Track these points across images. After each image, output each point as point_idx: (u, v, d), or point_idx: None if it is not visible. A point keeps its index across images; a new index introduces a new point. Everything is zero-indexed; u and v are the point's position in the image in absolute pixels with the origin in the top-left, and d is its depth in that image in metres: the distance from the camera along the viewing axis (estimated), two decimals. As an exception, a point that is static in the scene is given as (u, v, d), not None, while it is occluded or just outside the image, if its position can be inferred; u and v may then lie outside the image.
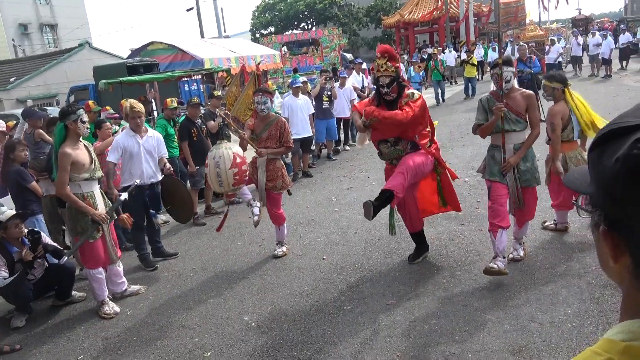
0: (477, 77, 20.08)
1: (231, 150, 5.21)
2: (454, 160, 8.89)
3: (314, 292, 4.84)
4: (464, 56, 19.97)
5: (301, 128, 9.42)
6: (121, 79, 11.06)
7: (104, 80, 10.60)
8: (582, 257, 4.79)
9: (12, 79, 22.23)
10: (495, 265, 4.41)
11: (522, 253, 4.95)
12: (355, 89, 11.85)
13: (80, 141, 4.88)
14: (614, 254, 0.77)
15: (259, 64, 11.52)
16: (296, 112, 9.42)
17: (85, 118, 4.84)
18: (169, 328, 4.51)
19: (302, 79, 11.19)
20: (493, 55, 20.42)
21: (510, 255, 4.88)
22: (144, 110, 5.98)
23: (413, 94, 4.73)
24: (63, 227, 6.15)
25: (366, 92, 12.76)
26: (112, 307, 4.95)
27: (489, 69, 21.12)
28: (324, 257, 5.65)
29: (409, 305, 4.37)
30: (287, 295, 4.81)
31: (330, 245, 5.99)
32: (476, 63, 19.20)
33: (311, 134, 9.77)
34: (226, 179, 5.20)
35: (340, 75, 11.89)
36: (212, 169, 5.23)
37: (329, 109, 10.67)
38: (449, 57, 22.36)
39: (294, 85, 9.87)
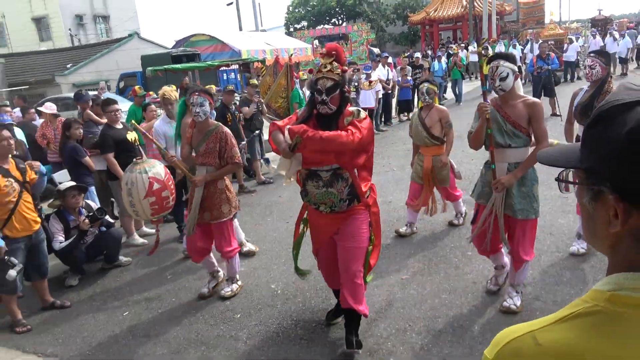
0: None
1: (147, 175, 3.98)
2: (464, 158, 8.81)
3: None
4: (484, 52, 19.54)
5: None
6: (166, 67, 11.28)
7: (151, 68, 10.83)
8: (585, 242, 4.75)
9: (68, 66, 22.73)
10: (510, 305, 3.69)
11: (518, 303, 3.71)
12: (380, 80, 11.81)
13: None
14: (623, 219, 0.78)
15: (291, 55, 11.54)
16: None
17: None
18: (124, 332, 4.65)
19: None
20: (514, 53, 19.99)
21: (505, 304, 3.72)
22: (175, 98, 6.02)
23: (359, 111, 3.25)
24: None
25: (390, 84, 12.72)
26: (250, 246, 5.45)
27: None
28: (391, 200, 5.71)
29: (421, 281, 4.41)
30: (310, 268, 4.89)
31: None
32: (496, 59, 18.76)
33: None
34: (141, 209, 4.06)
35: (365, 71, 11.86)
36: (124, 196, 4.11)
37: (355, 99, 10.67)
38: (473, 54, 21.96)
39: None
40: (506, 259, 3.95)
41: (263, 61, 15.36)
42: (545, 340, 0.78)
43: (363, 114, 3.28)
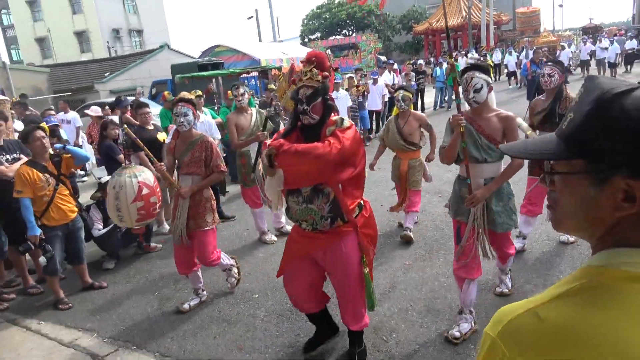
0: (493, 79, 19.44)
1: (137, 179, 3.70)
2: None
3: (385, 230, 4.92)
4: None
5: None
6: (193, 74, 11.35)
7: (179, 75, 10.91)
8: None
9: (106, 74, 22.99)
10: (457, 333, 3.16)
11: (510, 285, 3.70)
12: (386, 85, 11.79)
13: (247, 111, 5.32)
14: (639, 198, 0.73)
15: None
16: (336, 103, 9.46)
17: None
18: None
19: (350, 75, 11.30)
20: (509, 59, 19.74)
21: (498, 290, 3.69)
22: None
23: (342, 120, 2.74)
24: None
25: (395, 89, 12.66)
26: (270, 237, 5.45)
27: (506, 71, 20.48)
28: (382, 204, 5.71)
29: (422, 266, 4.39)
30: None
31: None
32: (492, 65, 18.57)
33: (348, 123, 9.79)
34: (127, 214, 3.70)
35: (372, 76, 11.83)
36: (110, 200, 3.72)
37: (362, 102, 10.71)
38: (471, 60, 21.71)
39: (335, 81, 9.96)
40: (472, 308, 3.32)
41: (279, 68, 15.40)
42: (547, 317, 0.74)
43: (347, 122, 2.73)
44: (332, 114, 2.76)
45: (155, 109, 9.10)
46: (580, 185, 0.79)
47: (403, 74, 14.28)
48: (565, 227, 0.86)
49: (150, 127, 6.02)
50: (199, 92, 7.13)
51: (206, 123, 6.08)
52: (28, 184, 4.04)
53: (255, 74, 15.82)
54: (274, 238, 5.45)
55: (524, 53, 18.53)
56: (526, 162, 3.82)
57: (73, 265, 4.66)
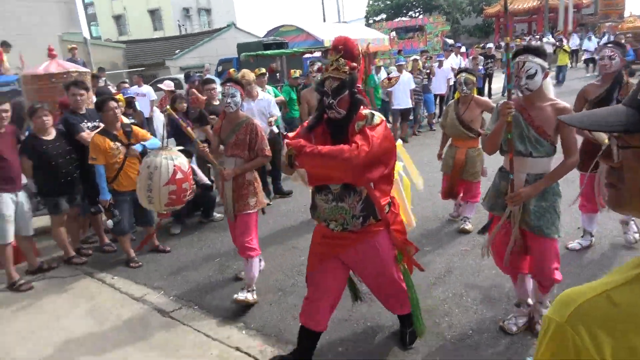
0: (570, 65, 18.28)
1: (172, 162, 3.52)
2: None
3: (432, 220, 4.91)
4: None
5: (402, 100, 9.37)
6: (257, 52, 11.58)
7: (244, 54, 11.17)
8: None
9: (176, 51, 23.90)
10: (514, 327, 3.06)
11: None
12: (453, 69, 11.44)
13: None
14: None
15: (368, 44, 11.42)
16: (399, 85, 9.32)
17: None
18: (284, 247, 4.84)
19: (415, 57, 11.04)
20: (589, 45, 18.43)
21: (512, 326, 3.09)
22: (252, 79, 6.14)
23: (372, 115, 2.50)
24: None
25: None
26: None
27: (584, 58, 19.16)
28: (412, 207, 5.66)
29: (480, 253, 4.30)
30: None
31: (418, 199, 5.97)
32: (569, 50, 17.42)
33: (410, 106, 9.61)
34: (158, 196, 3.50)
35: (438, 58, 11.50)
36: (143, 179, 3.52)
37: (427, 85, 10.48)
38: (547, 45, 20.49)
39: (397, 63, 9.78)
40: (530, 300, 3.14)
41: (343, 49, 15.34)
42: (621, 301, 0.71)
43: (378, 118, 2.50)
44: (362, 108, 2.53)
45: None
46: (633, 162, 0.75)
47: (470, 57, 13.77)
48: (633, 206, 0.80)
49: (216, 103, 6.25)
50: (263, 70, 7.27)
51: (265, 100, 6.20)
52: (101, 151, 4.35)
53: (318, 54, 15.85)
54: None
55: (605, 38, 17.22)
56: None
57: (142, 227, 4.99)
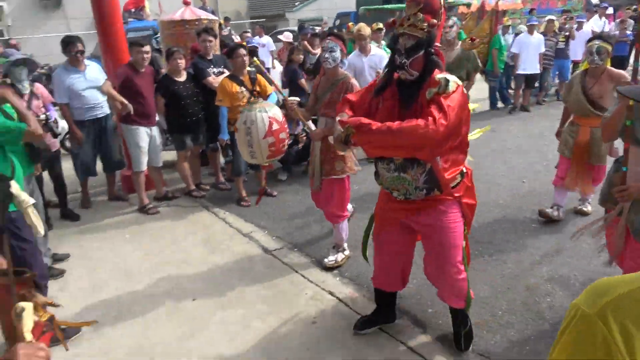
0: None
1: (267, 114, 3.42)
2: None
3: (508, 205, 4.68)
4: None
5: (529, 64, 8.57)
6: (376, 7, 11.31)
7: (363, 7, 10.98)
8: None
9: (296, 4, 24.22)
10: None
11: None
12: (593, 33, 10.12)
13: (454, 46, 5.25)
14: None
15: (498, 1, 10.52)
16: (527, 48, 8.54)
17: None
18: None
19: (551, 17, 9.94)
20: None
21: None
22: (368, 34, 6.00)
23: (447, 81, 2.20)
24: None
25: (605, 38, 10.80)
26: None
27: None
28: (524, 181, 5.33)
29: (597, 239, 3.95)
30: (484, 205, 4.64)
31: (532, 172, 5.59)
32: None
33: (537, 71, 8.79)
34: (259, 149, 3.44)
35: (578, 19, 10.22)
36: (241, 136, 3.47)
37: (564, 49, 9.37)
38: None
39: (529, 23, 8.90)
40: None
41: (468, 5, 14.33)
42: None
43: (453, 84, 2.20)
44: (436, 71, 2.26)
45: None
46: None
47: (617, 20, 12.06)
48: None
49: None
50: (380, 25, 7.11)
51: (377, 56, 6.09)
52: (227, 94, 4.66)
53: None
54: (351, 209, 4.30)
55: None
56: None
57: (255, 170, 5.34)
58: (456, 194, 2.43)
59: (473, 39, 8.23)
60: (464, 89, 2.32)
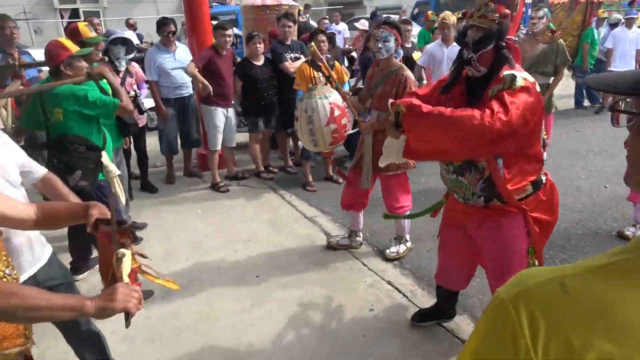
0: None
1: (327, 100, 3.29)
2: None
3: (585, 210, 4.39)
4: None
5: (623, 60, 7.88)
6: (459, -5, 10.89)
7: (446, -5, 10.61)
8: None
9: (375, -10, 23.89)
10: None
11: None
12: None
13: (539, 39, 5.11)
14: None
15: (595, -9, 9.73)
16: (623, 43, 7.87)
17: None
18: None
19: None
20: None
21: None
22: (453, 22, 5.78)
23: (513, 77, 1.99)
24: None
25: None
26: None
27: None
28: (606, 186, 4.96)
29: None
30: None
31: (617, 177, 5.18)
32: None
33: (632, 69, 8.08)
34: (322, 137, 3.33)
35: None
36: (303, 125, 3.35)
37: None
38: None
39: (627, 17, 8.17)
40: None
41: (561, -4, 13.41)
42: (574, 289, 0.65)
43: (521, 80, 1.98)
44: (505, 67, 2.06)
45: (415, 29, 9.20)
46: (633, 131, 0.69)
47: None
48: (632, 181, 0.74)
49: (408, 45, 6.19)
50: (461, 15, 6.86)
51: (458, 47, 5.88)
52: (305, 79, 4.75)
53: (529, 0, 14.21)
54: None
55: None
56: None
57: (323, 157, 5.42)
58: (524, 207, 2.18)
59: (553, 32, 7.70)
60: (551, 85, 2.15)
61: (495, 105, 1.93)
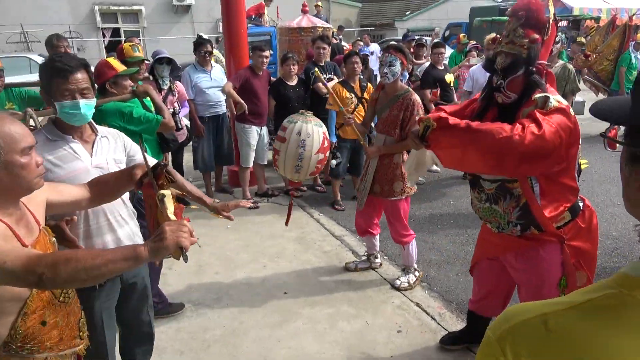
0: None
1: (321, 129, 3.16)
2: None
3: (621, 238, 4.27)
4: None
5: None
6: (493, 18, 10.91)
7: (478, 19, 10.65)
8: None
9: (407, 13, 24.12)
10: None
11: None
12: None
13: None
14: None
15: (632, 15, 9.57)
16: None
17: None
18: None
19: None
20: None
21: None
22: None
23: (546, 98, 1.94)
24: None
25: None
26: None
27: None
28: None
29: None
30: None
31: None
32: None
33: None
34: (308, 165, 3.16)
35: None
36: (292, 148, 3.11)
37: None
38: None
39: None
40: None
41: (597, 19, 13.26)
42: (556, 327, 0.65)
43: (554, 102, 1.92)
44: (537, 91, 2.01)
45: (447, 51, 9.26)
46: (628, 159, 0.70)
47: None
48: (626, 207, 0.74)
49: (441, 67, 6.23)
50: (493, 36, 6.87)
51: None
52: (337, 99, 4.83)
53: (564, 23, 14.07)
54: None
55: None
56: None
57: (353, 175, 5.47)
58: (562, 236, 2.11)
59: (587, 55, 7.61)
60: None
61: (526, 121, 1.89)
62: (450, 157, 2.10)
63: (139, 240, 2.21)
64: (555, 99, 1.97)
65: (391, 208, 3.48)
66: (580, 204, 2.18)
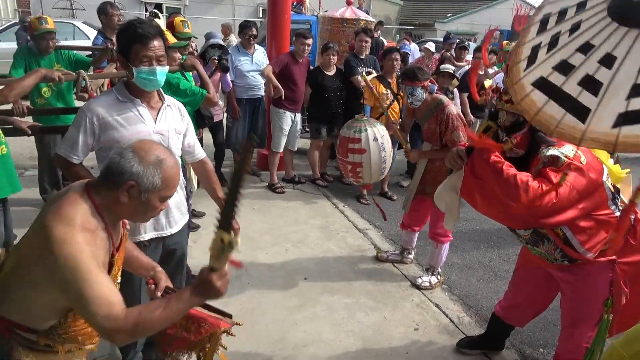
0: None
1: (382, 126, 3.40)
2: None
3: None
4: None
5: None
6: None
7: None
8: None
9: (448, 15, 23.80)
10: None
11: None
12: None
13: None
14: None
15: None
16: None
17: None
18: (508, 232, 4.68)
19: None
20: None
21: None
22: None
23: (555, 158, 1.93)
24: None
25: None
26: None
27: None
28: None
29: None
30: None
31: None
32: None
33: None
34: (389, 162, 3.35)
35: None
36: (375, 155, 3.22)
37: None
38: None
39: None
40: None
41: None
42: None
43: (564, 157, 1.91)
44: (542, 147, 1.99)
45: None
46: None
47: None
48: None
49: (481, 72, 6.16)
50: (491, 85, 6.76)
51: None
52: (373, 94, 4.83)
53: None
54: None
55: None
56: None
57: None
58: (610, 257, 2.09)
59: None
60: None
61: (544, 183, 1.88)
62: (469, 192, 2.06)
63: (184, 208, 2.29)
64: (565, 154, 1.92)
65: (435, 209, 3.42)
66: (632, 217, 2.07)
